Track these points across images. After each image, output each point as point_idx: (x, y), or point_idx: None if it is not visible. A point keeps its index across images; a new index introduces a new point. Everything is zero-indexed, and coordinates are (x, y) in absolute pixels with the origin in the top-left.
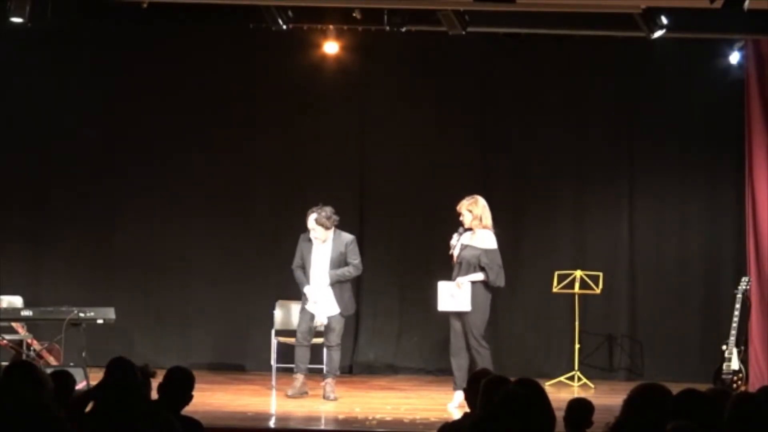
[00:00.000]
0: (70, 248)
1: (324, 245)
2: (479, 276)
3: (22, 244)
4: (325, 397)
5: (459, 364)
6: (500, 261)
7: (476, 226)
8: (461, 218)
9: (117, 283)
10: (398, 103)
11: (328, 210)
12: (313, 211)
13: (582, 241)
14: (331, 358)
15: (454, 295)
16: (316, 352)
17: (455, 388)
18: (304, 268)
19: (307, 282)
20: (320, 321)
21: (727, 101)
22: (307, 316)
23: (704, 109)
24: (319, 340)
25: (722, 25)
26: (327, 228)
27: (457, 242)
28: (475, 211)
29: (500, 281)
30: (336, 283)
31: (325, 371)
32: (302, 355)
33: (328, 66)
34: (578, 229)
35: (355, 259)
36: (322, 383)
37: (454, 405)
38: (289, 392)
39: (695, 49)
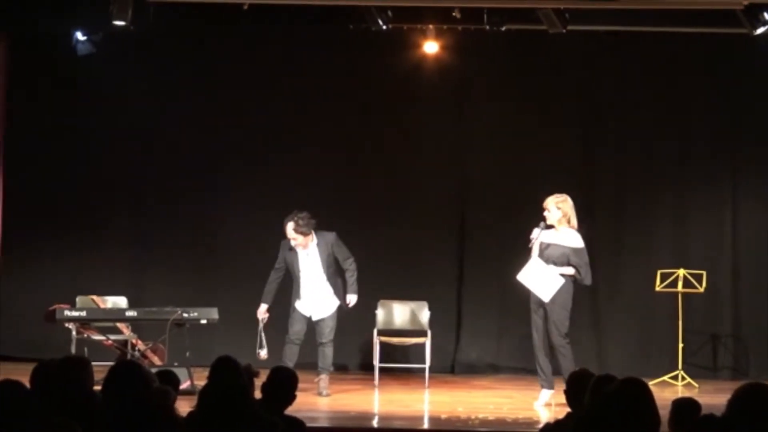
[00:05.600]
0: (172, 249)
1: (310, 251)
2: (570, 270)
3: (127, 246)
4: (318, 393)
5: (544, 361)
6: (588, 259)
7: (562, 224)
8: (546, 213)
9: (219, 284)
10: (498, 103)
11: (304, 216)
12: (289, 220)
13: (685, 239)
14: (324, 354)
15: (542, 279)
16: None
17: (542, 386)
18: (291, 275)
19: (298, 292)
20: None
21: None
22: (299, 315)
23: None
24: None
25: None
26: (306, 234)
27: (537, 237)
28: (564, 208)
29: (589, 279)
30: (335, 281)
31: (319, 367)
32: (291, 352)
33: (427, 66)
34: (681, 228)
35: (347, 255)
36: (316, 379)
37: (540, 403)
38: None
39: None
